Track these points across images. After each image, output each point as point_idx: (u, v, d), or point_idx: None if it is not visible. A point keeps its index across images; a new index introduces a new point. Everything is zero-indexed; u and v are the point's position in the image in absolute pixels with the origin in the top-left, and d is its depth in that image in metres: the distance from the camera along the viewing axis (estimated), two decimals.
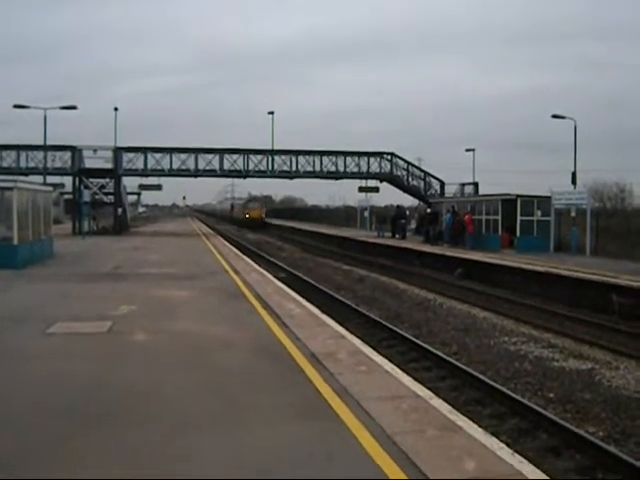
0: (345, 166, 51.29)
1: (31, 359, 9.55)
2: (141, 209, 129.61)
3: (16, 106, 41.73)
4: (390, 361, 9.93)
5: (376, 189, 54.42)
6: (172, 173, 50.35)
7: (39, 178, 42.96)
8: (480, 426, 7.01)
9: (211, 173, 50.98)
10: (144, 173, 50.93)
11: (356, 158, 51.64)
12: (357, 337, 11.61)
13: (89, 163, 48.70)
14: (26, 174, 45.07)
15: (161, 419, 6.78)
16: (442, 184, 52.47)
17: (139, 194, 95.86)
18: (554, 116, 39.18)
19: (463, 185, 52.07)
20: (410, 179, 52.45)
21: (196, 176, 51.19)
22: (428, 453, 5.83)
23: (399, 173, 51.88)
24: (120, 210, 52.27)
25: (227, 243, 41.66)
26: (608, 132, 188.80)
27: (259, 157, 50.91)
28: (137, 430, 6.44)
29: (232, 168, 50.70)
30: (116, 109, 52.44)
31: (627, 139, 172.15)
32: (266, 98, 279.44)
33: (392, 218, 47.15)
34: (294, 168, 51.10)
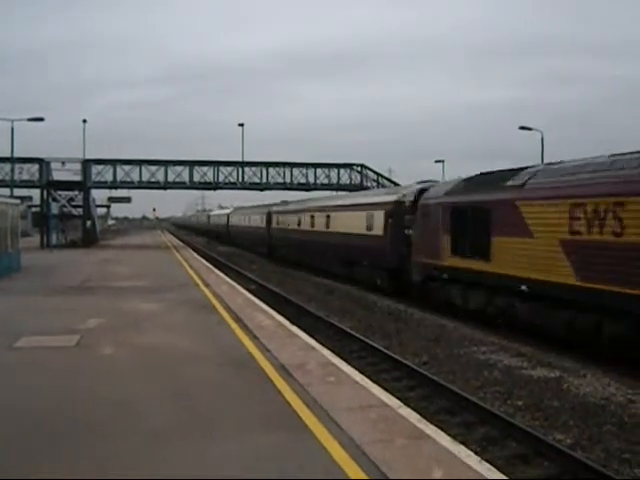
0: (315, 178, 51.43)
1: None
2: (111, 222, 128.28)
3: None
4: (360, 372, 9.96)
5: None
6: (142, 185, 50.07)
7: (6, 191, 42.47)
8: (449, 435, 7.06)
9: (181, 185, 50.79)
10: (113, 185, 50.63)
11: (326, 170, 51.82)
12: (327, 348, 11.63)
13: (57, 175, 48.23)
14: None
15: (128, 433, 6.72)
16: None
17: (108, 207, 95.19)
18: (521, 128, 39.69)
19: None
20: None
21: (166, 188, 50.96)
22: (397, 462, 5.85)
23: (369, 184, 52.07)
24: (89, 223, 51.85)
25: (197, 256, 41.47)
26: (576, 144, 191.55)
27: (229, 169, 50.85)
28: (104, 444, 6.37)
29: (202, 180, 50.58)
30: (84, 121, 51.97)
31: (595, 151, 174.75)
32: (236, 111, 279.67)
33: None
34: (264, 180, 51.11)
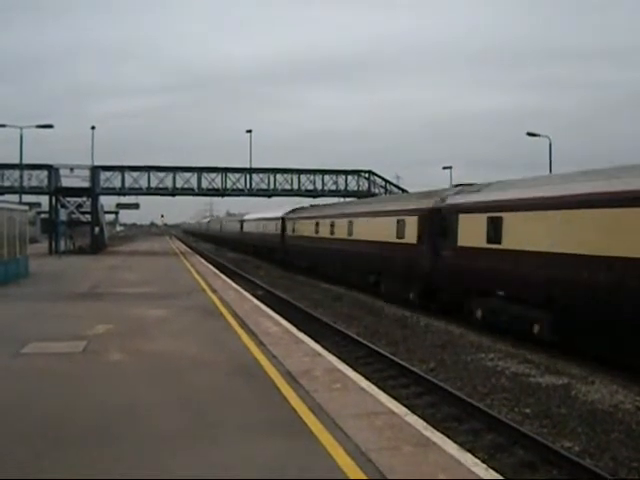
0: (323, 184, 51.45)
1: (3, 379, 9.43)
2: (119, 228, 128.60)
3: None
4: (367, 378, 9.93)
5: None
6: (150, 192, 50.16)
7: (15, 197, 42.64)
8: (456, 442, 7.02)
9: (189, 192, 50.88)
10: (122, 192, 50.72)
11: (334, 176, 51.83)
12: (333, 355, 11.62)
13: (66, 182, 48.36)
14: (1, 193, 44.72)
15: (134, 439, 6.71)
16: None
17: (117, 213, 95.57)
18: (529, 134, 39.61)
19: None
20: None
21: (174, 195, 51.05)
22: (403, 469, 5.82)
23: (377, 191, 52.04)
24: (97, 229, 51.97)
25: (204, 261, 41.52)
26: (583, 150, 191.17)
27: (237, 175, 50.91)
28: (109, 450, 6.36)
29: (210, 186, 50.64)
30: (93, 128, 52.27)
31: (601, 157, 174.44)
32: (243, 117, 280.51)
33: None
34: (272, 186, 51.15)
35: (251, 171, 51.28)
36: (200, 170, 50.33)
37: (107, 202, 66.46)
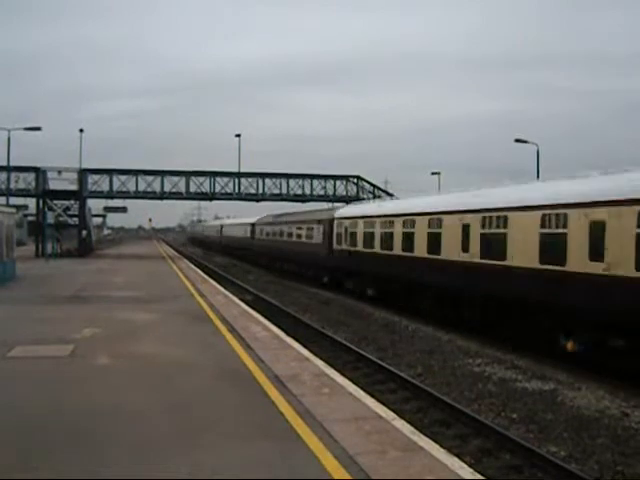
0: (312, 189, 51.53)
1: None
2: (106, 231, 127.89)
3: None
4: (355, 383, 9.96)
5: None
6: (138, 195, 50.03)
7: (2, 199, 42.43)
8: (442, 447, 7.05)
9: (177, 195, 50.76)
10: (109, 195, 50.61)
11: (322, 181, 51.92)
12: (321, 359, 11.64)
13: (53, 185, 48.16)
14: None
15: (122, 442, 6.71)
16: None
17: (104, 216, 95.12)
18: (517, 140, 39.77)
19: None
20: None
21: (162, 198, 50.91)
22: (389, 473, 5.86)
23: (365, 196, 52.13)
24: (85, 232, 51.77)
25: (193, 266, 41.44)
26: (572, 156, 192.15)
27: (225, 179, 50.92)
28: (97, 453, 6.36)
29: (198, 190, 50.58)
30: (81, 131, 52.00)
31: (589, 163, 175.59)
32: (233, 121, 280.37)
33: None
34: (261, 191, 51.20)
35: (239, 175, 51.28)
36: (188, 174, 50.28)
37: (95, 205, 66.33)
